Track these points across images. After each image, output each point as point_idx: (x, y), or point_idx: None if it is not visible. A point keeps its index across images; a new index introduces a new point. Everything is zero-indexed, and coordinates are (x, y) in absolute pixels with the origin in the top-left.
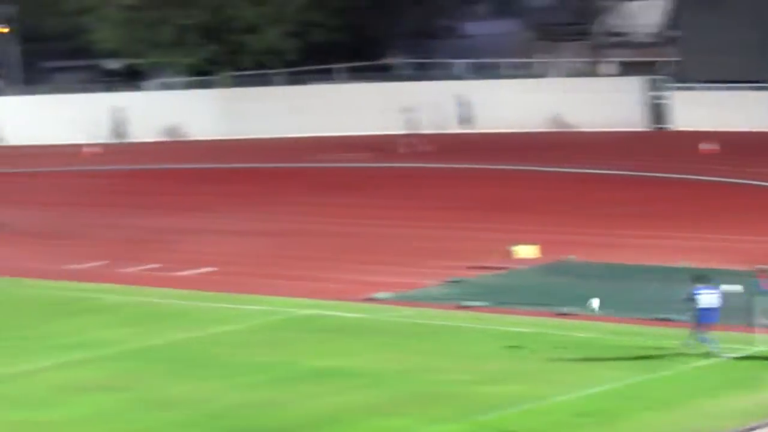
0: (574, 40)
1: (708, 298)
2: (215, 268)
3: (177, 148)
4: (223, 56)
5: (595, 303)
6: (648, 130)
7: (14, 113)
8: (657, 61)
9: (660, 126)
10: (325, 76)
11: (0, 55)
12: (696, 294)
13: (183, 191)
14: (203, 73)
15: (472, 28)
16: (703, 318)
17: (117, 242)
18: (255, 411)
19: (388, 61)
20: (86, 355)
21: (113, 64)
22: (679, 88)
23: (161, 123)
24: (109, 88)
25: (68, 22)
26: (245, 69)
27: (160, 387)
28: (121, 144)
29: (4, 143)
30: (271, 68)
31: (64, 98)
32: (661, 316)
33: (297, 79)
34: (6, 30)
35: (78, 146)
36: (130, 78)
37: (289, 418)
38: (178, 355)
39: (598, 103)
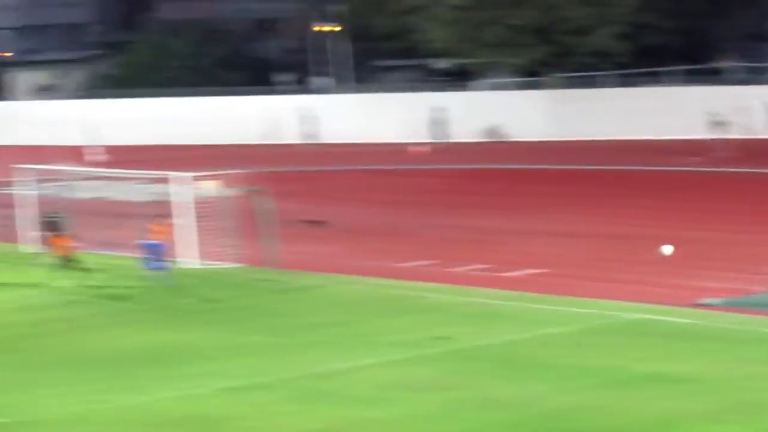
0: None
1: None
2: (541, 270)
3: (500, 149)
4: (552, 57)
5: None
6: None
7: (344, 111)
8: None
9: None
10: (653, 78)
11: (331, 53)
12: None
13: (508, 191)
14: (531, 74)
15: None
16: None
17: (442, 241)
18: (586, 414)
19: (718, 64)
20: (413, 354)
21: (441, 64)
22: None
23: (483, 123)
24: (436, 87)
25: (398, 21)
26: (574, 70)
27: (488, 387)
28: (444, 143)
29: (331, 141)
30: (600, 70)
31: (392, 97)
32: None
33: (626, 81)
34: (337, 28)
35: (403, 145)
36: (458, 78)
37: (619, 422)
38: (506, 355)
39: None
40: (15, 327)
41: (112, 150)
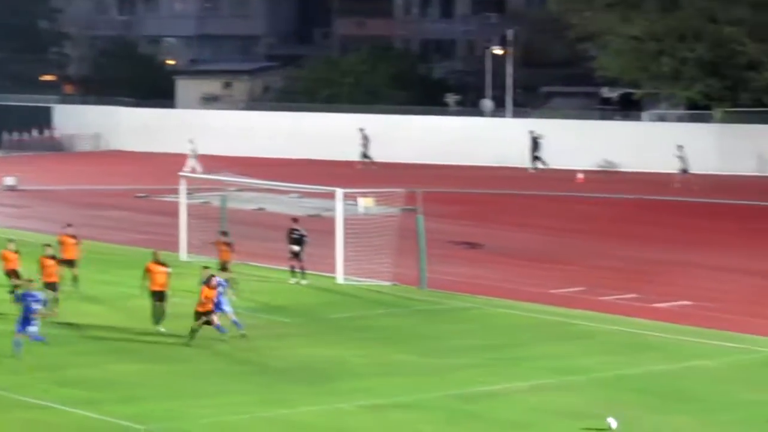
0: None
1: None
2: (694, 302)
3: (668, 181)
4: (721, 91)
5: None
6: None
7: (507, 134)
8: None
9: None
10: None
11: (494, 77)
12: None
13: (667, 223)
14: (699, 107)
15: None
16: None
17: (597, 269)
18: None
19: None
20: (562, 380)
21: (609, 93)
22: None
23: (651, 154)
24: (604, 116)
25: (570, 48)
26: (743, 105)
27: (634, 417)
28: (612, 172)
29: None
30: (767, 106)
31: (560, 123)
32: None
33: None
34: (504, 52)
35: (571, 172)
36: (625, 107)
37: None
38: (651, 386)
39: None
40: (167, 336)
41: (273, 162)
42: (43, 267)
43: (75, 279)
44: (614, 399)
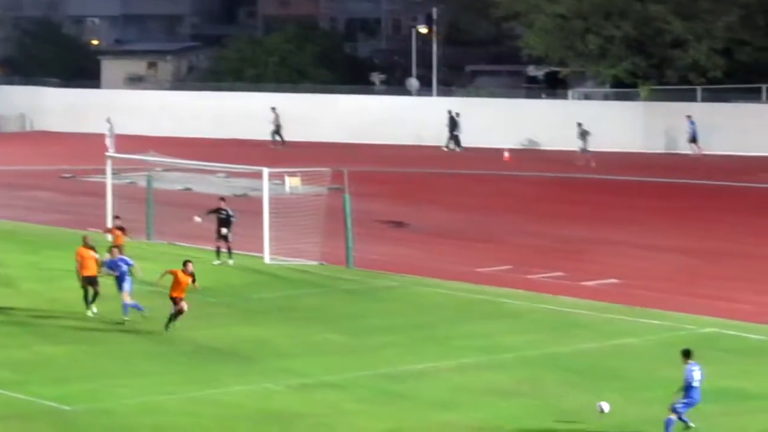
0: None
1: None
2: (621, 280)
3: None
4: (646, 69)
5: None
6: None
7: (434, 114)
8: None
9: None
10: (746, 95)
11: (419, 55)
12: None
13: (594, 202)
14: (625, 85)
15: None
16: None
17: (523, 248)
18: (657, 428)
19: None
20: (489, 359)
21: (535, 71)
22: None
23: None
24: (530, 94)
25: (496, 26)
26: (667, 83)
27: (559, 396)
28: (536, 151)
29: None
30: (693, 84)
31: (486, 102)
32: None
33: (718, 96)
34: (429, 31)
35: (497, 151)
36: (551, 86)
37: None
38: (578, 364)
39: None
40: (91, 319)
41: (198, 142)
42: None
43: None
44: (541, 377)
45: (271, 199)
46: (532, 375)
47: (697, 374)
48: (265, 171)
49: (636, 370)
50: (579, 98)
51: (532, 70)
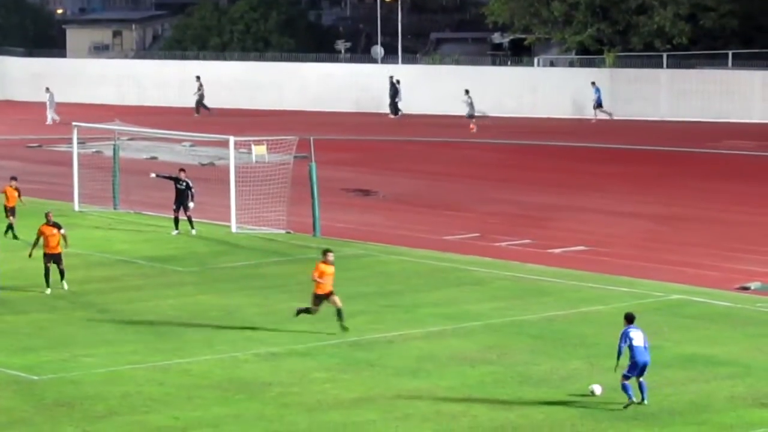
0: None
1: None
2: (588, 247)
3: (557, 125)
4: (612, 35)
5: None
6: None
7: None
8: None
9: None
10: (711, 61)
11: (384, 23)
12: None
13: (560, 169)
14: (590, 52)
15: None
16: None
17: (490, 215)
18: (622, 395)
19: None
20: (456, 327)
21: (500, 39)
22: None
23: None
24: (495, 62)
25: None
26: (632, 50)
27: (525, 363)
28: (499, 117)
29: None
30: (658, 50)
31: (451, 69)
32: None
33: (683, 62)
34: None
35: (461, 118)
36: (517, 53)
37: (654, 403)
38: (545, 332)
39: None
40: (56, 288)
41: (163, 111)
42: None
43: None
44: (508, 345)
45: (237, 167)
46: (499, 342)
47: (634, 333)
48: (232, 139)
49: (603, 337)
50: (545, 65)
51: (497, 38)
